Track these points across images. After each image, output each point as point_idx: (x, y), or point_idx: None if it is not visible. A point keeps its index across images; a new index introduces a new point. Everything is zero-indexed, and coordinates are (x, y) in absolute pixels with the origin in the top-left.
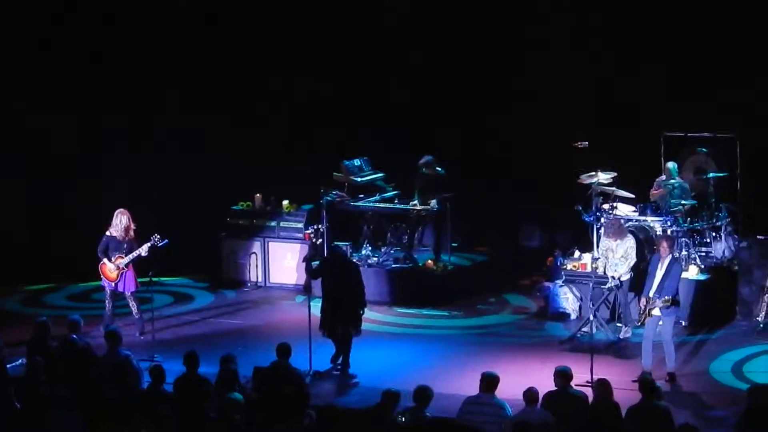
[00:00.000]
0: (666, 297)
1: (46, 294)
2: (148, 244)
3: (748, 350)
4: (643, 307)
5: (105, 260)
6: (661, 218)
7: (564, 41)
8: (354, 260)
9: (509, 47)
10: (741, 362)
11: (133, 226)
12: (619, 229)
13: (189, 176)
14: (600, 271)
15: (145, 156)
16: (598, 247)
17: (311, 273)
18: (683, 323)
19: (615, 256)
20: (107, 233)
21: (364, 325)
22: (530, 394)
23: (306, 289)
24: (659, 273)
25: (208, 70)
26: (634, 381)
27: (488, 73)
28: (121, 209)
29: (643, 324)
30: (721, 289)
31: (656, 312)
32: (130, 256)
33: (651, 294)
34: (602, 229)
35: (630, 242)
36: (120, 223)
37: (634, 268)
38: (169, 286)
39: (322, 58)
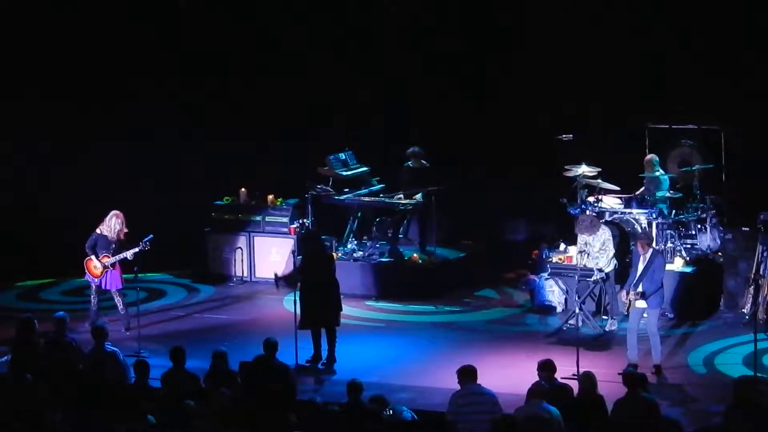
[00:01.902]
0: (639, 290)
1: (42, 289)
2: (136, 249)
3: (728, 341)
4: (626, 301)
5: (92, 257)
6: (646, 210)
7: (548, 33)
8: (329, 250)
9: (492, 40)
10: (714, 354)
11: (125, 230)
12: (590, 224)
13: (173, 170)
14: (582, 264)
15: (126, 148)
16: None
17: (294, 277)
18: (669, 315)
19: (593, 250)
20: (97, 230)
21: (348, 320)
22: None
23: (285, 282)
24: (641, 266)
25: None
26: (619, 374)
27: (471, 65)
28: (116, 212)
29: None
30: (707, 281)
31: (640, 304)
32: (116, 257)
33: (632, 286)
34: (576, 225)
35: (605, 234)
36: (113, 225)
37: (619, 260)
38: (147, 282)
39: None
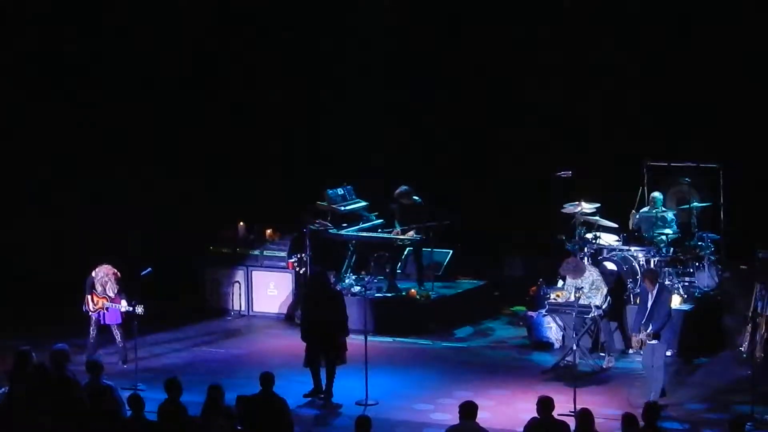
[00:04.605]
0: (651, 331)
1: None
2: (127, 309)
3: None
4: (638, 340)
5: (88, 297)
6: (644, 248)
7: (547, 68)
8: (335, 286)
9: (494, 72)
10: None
11: (113, 286)
12: (576, 268)
13: (171, 201)
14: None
15: (123, 180)
16: (564, 284)
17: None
18: (670, 352)
19: (585, 291)
20: (92, 273)
21: (348, 354)
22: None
23: (288, 318)
24: (650, 303)
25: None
26: (627, 412)
27: (470, 98)
28: (107, 266)
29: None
30: (706, 319)
31: (651, 340)
32: (110, 305)
33: (643, 325)
34: (560, 269)
35: (593, 275)
36: (102, 277)
37: (614, 297)
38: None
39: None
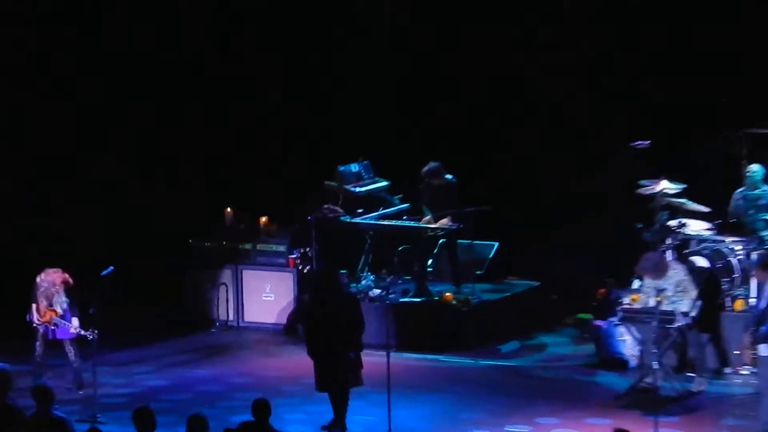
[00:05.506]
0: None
1: None
2: (78, 331)
3: None
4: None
5: (33, 306)
6: (743, 239)
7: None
8: (349, 289)
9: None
10: None
11: (61, 299)
12: (657, 265)
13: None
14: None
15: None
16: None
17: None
18: None
19: (668, 294)
20: (37, 280)
21: (365, 375)
22: None
23: (289, 330)
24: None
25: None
26: None
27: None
28: (55, 272)
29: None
30: None
31: (764, 351)
32: (58, 320)
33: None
34: (637, 266)
35: (679, 272)
36: (47, 288)
37: (706, 301)
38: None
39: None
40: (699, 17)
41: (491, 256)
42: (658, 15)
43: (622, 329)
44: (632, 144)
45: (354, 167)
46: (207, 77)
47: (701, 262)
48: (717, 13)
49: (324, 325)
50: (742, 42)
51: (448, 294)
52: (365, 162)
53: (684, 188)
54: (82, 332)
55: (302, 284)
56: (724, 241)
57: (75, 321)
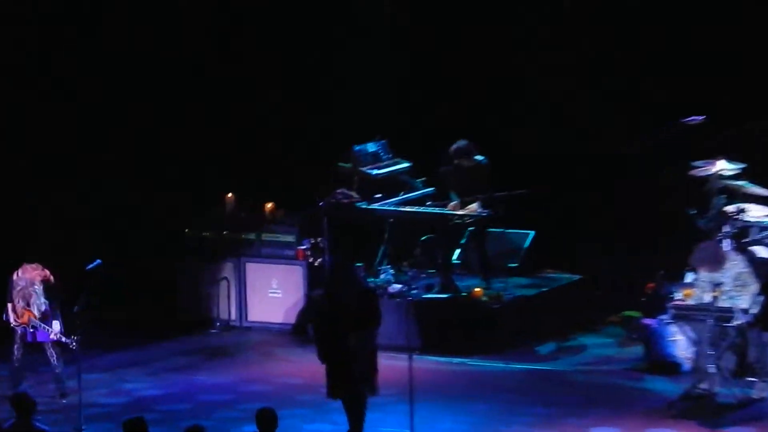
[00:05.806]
0: None
1: None
2: (59, 337)
3: None
4: None
5: (9, 305)
6: None
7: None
8: (368, 284)
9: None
10: None
11: (39, 300)
12: (713, 255)
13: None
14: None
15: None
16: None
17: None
18: None
19: (726, 289)
20: (14, 277)
21: (382, 383)
22: None
23: (298, 331)
24: None
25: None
26: None
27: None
28: (34, 269)
29: None
30: None
31: None
32: (37, 323)
33: None
34: (691, 258)
35: (738, 264)
36: (24, 287)
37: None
38: None
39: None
40: (699, 17)
41: (526, 246)
42: (658, 15)
43: (674, 328)
44: (684, 120)
45: (371, 147)
46: (207, 77)
47: (763, 252)
48: (717, 13)
49: (337, 326)
50: (742, 42)
51: (477, 289)
52: (383, 141)
53: (743, 169)
54: (63, 339)
55: (313, 279)
56: None
57: (56, 325)
